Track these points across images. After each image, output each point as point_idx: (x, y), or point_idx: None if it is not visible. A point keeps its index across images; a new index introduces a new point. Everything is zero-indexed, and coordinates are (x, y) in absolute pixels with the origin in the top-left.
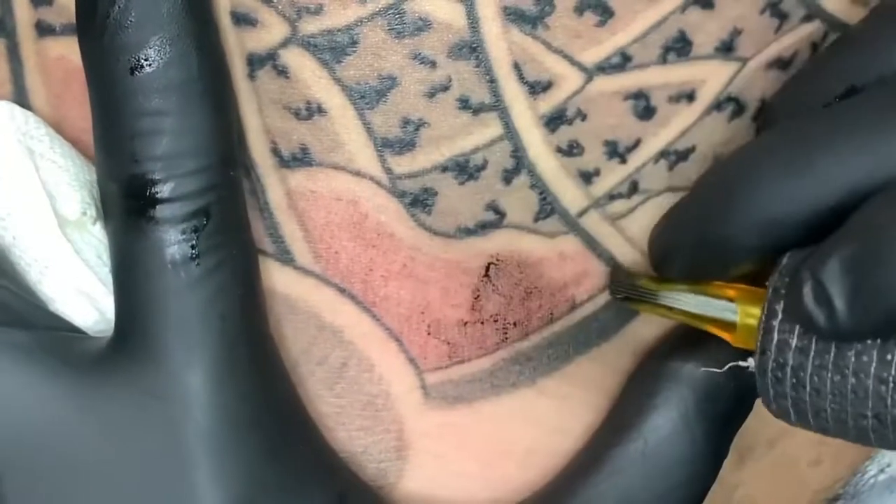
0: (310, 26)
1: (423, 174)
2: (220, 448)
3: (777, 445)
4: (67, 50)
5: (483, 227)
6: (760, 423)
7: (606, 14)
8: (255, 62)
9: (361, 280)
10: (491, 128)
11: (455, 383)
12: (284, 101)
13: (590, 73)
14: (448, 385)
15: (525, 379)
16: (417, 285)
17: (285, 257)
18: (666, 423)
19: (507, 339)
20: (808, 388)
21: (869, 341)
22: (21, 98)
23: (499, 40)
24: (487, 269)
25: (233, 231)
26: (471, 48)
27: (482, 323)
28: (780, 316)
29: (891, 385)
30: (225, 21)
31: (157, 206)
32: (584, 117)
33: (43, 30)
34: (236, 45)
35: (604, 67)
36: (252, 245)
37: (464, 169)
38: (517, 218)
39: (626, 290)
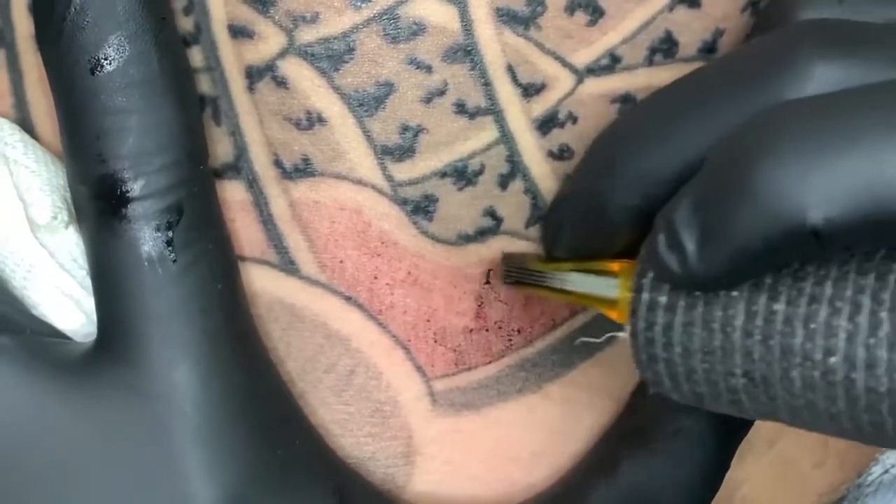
0: (306, 35)
1: (423, 181)
2: (211, 442)
3: (776, 445)
4: None
5: (482, 234)
6: (758, 422)
7: (597, 13)
8: (254, 74)
9: (367, 288)
10: (487, 132)
11: (462, 390)
12: (285, 112)
13: (580, 74)
14: (455, 392)
15: (531, 385)
16: (422, 293)
17: (290, 267)
18: (677, 429)
19: (511, 345)
20: (677, 348)
21: (735, 293)
22: (21, 109)
23: (492, 42)
24: (488, 275)
25: (207, 225)
26: (465, 51)
27: (487, 330)
28: (649, 275)
29: (757, 338)
30: (222, 35)
31: (129, 205)
32: (574, 120)
33: None
34: (235, 58)
35: (594, 69)
36: (228, 239)
37: (462, 174)
38: (512, 224)
39: (517, 274)
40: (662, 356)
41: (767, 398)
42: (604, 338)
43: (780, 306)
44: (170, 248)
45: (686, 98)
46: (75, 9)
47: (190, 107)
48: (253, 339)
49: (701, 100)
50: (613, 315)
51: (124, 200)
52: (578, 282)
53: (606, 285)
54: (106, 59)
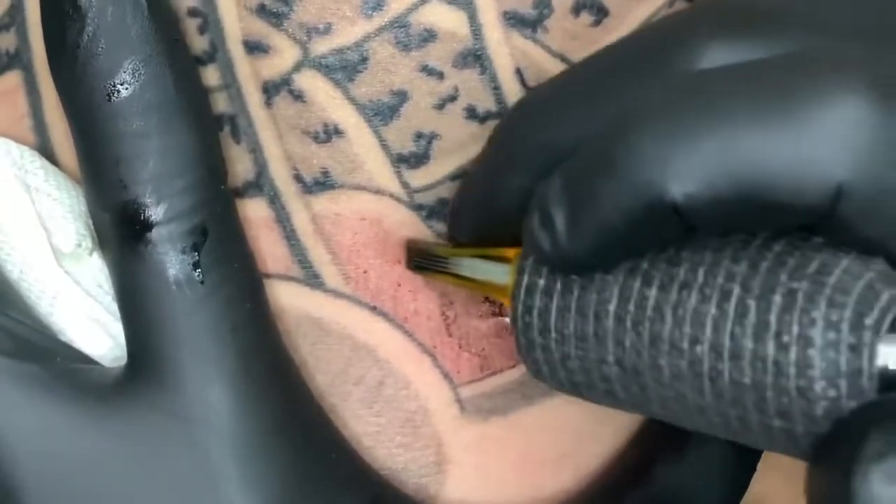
0: (320, 47)
1: (437, 185)
2: (248, 459)
3: None
4: None
5: None
6: None
7: (601, 13)
8: (271, 89)
9: (391, 297)
10: None
11: (489, 395)
12: (303, 126)
13: None
14: (482, 398)
15: None
16: (444, 298)
17: (314, 281)
18: (710, 439)
19: None
20: (553, 334)
21: (610, 277)
22: (41, 131)
23: (501, 46)
24: None
25: (232, 244)
26: (475, 56)
27: (509, 333)
28: (530, 258)
29: (628, 325)
30: (238, 51)
31: (153, 230)
32: None
33: None
34: (251, 74)
35: None
36: (252, 256)
37: None
38: None
39: (420, 261)
40: (539, 341)
41: (639, 388)
42: (489, 321)
43: (651, 292)
44: (197, 270)
45: (583, 77)
46: (88, 36)
47: (207, 126)
48: (283, 355)
49: (596, 78)
50: (507, 302)
51: (148, 225)
52: (475, 268)
53: (500, 272)
54: (122, 84)
